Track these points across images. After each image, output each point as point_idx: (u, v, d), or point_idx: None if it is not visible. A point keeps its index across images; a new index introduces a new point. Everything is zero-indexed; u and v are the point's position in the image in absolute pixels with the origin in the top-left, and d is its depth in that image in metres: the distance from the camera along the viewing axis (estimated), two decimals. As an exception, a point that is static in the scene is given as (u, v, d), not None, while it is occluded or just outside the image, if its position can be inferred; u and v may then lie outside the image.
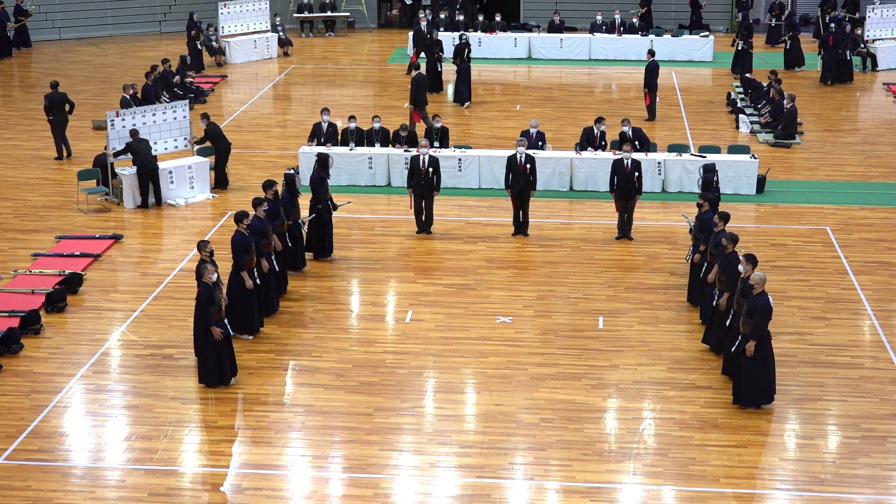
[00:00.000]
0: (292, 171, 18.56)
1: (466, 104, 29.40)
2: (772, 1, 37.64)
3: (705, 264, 16.57)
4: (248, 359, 15.79)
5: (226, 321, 14.86)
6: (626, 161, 19.71)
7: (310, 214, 18.86)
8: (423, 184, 20.08)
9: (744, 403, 14.30)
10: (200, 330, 14.69)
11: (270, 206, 17.24)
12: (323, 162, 19.21)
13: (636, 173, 19.70)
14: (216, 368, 14.80)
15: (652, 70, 27.71)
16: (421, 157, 20.01)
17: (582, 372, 15.37)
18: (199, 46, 33.61)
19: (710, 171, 19.31)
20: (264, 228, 16.71)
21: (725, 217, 16.54)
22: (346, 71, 34.35)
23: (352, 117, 23.80)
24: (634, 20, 36.12)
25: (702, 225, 16.96)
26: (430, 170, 20.06)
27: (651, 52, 28.36)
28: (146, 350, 16.03)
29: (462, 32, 31.13)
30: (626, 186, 19.75)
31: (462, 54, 29.66)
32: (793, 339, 16.30)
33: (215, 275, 14.73)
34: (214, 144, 22.85)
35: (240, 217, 16.22)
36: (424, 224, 20.38)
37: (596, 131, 23.12)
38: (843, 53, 31.92)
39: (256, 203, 16.89)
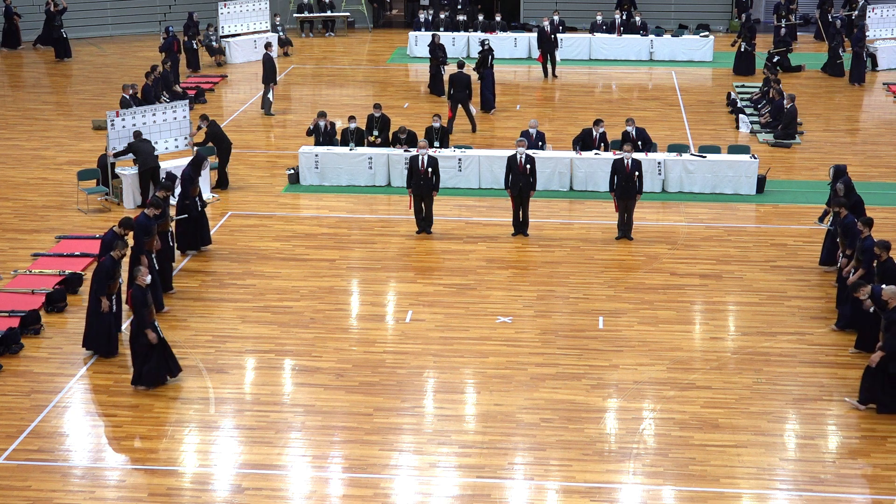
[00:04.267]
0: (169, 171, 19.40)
1: (493, 111, 29.05)
2: (777, 1, 37.56)
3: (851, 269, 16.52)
4: (248, 359, 15.81)
5: (156, 323, 14.88)
6: (626, 161, 19.73)
7: (178, 212, 19.00)
8: (423, 184, 20.09)
9: (881, 410, 14.30)
10: (133, 329, 14.83)
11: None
12: (197, 162, 19.51)
13: (636, 172, 19.71)
14: (158, 367, 14.88)
15: (457, 81, 26.94)
16: (420, 157, 20.04)
17: (582, 372, 15.38)
18: (195, 46, 33.57)
19: (841, 173, 18.97)
20: (150, 226, 16.89)
21: (870, 222, 16.48)
22: (346, 71, 34.36)
23: (351, 117, 23.86)
24: (637, 18, 36.09)
25: (845, 230, 16.94)
26: (430, 170, 20.08)
27: (460, 64, 27.58)
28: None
29: (485, 39, 30.72)
30: (626, 186, 19.76)
31: (486, 62, 29.27)
32: (793, 339, 16.31)
33: (149, 277, 14.91)
34: (216, 145, 22.87)
35: (155, 203, 17.10)
36: (424, 224, 20.39)
37: (595, 133, 23.11)
38: (857, 53, 31.90)
39: (152, 203, 17.29)
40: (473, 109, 26.32)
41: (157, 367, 14.87)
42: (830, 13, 37.49)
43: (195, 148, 23.07)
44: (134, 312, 14.79)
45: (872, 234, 16.39)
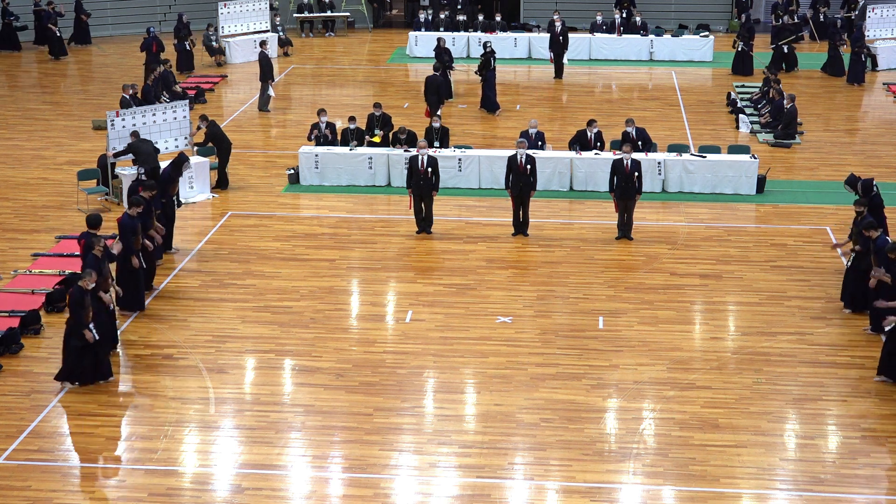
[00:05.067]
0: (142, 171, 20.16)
1: (498, 112, 28.91)
2: (774, 1, 37.57)
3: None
4: (248, 359, 15.81)
5: (91, 325, 14.83)
6: (625, 161, 19.73)
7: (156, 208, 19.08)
8: (423, 184, 20.09)
9: None
10: (69, 327, 14.86)
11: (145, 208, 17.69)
12: (178, 163, 19.57)
13: (636, 173, 19.72)
14: (80, 367, 14.87)
15: (429, 84, 27.05)
16: (420, 157, 20.04)
17: (582, 372, 15.38)
18: (188, 47, 33.50)
19: (856, 179, 18.97)
20: (135, 226, 17.02)
21: (874, 225, 16.53)
22: (346, 71, 34.36)
23: (352, 118, 23.86)
24: (637, 18, 36.10)
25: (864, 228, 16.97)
26: (429, 170, 20.08)
27: (436, 68, 27.92)
28: (146, 350, 16.04)
29: (487, 41, 30.64)
30: (625, 186, 19.77)
31: (489, 65, 29.06)
32: (793, 339, 16.32)
33: (93, 284, 14.85)
34: (216, 145, 22.87)
35: (135, 202, 17.17)
36: (424, 224, 20.39)
37: (589, 134, 23.11)
38: (856, 53, 31.94)
39: (133, 203, 17.32)
40: (437, 123, 26.23)
41: (92, 366, 14.89)
42: (824, 13, 37.53)
43: (195, 148, 23.09)
44: (70, 312, 14.77)
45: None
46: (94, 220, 16.56)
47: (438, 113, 26.42)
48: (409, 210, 20.59)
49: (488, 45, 29.93)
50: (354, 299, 18.10)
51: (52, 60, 35.08)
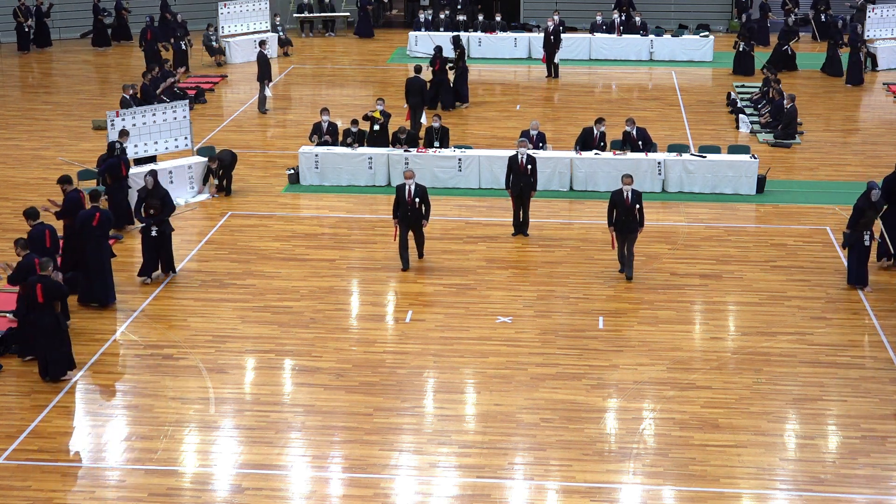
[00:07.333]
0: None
1: (465, 105, 29.39)
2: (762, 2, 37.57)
3: None
4: (248, 359, 15.81)
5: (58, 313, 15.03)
6: (626, 193, 18.35)
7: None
8: (410, 215, 18.55)
9: None
10: (53, 323, 14.84)
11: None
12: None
13: (637, 205, 18.39)
14: (66, 360, 15.04)
15: (411, 86, 26.92)
16: (406, 186, 18.55)
17: (582, 372, 15.38)
18: (184, 47, 33.49)
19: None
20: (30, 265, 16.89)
21: None
22: (347, 71, 34.36)
23: (354, 121, 23.81)
24: (637, 19, 36.11)
25: None
26: (417, 200, 18.53)
27: (417, 69, 27.97)
28: (146, 350, 16.04)
29: (457, 35, 31.04)
30: (626, 220, 18.21)
31: (463, 57, 29.64)
32: (793, 339, 16.32)
33: (58, 273, 15.10)
34: (224, 165, 22.62)
35: (95, 196, 17.62)
36: (408, 259, 18.78)
37: (595, 132, 23.10)
38: (854, 53, 31.95)
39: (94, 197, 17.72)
40: (424, 120, 26.40)
41: (65, 360, 15.00)
42: (826, 14, 37.56)
43: (196, 149, 23.02)
44: (61, 297, 15.06)
45: None
46: (29, 212, 16.61)
47: (424, 120, 26.51)
48: (393, 242, 19.10)
49: (459, 39, 30.52)
50: (354, 299, 18.10)
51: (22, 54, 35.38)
